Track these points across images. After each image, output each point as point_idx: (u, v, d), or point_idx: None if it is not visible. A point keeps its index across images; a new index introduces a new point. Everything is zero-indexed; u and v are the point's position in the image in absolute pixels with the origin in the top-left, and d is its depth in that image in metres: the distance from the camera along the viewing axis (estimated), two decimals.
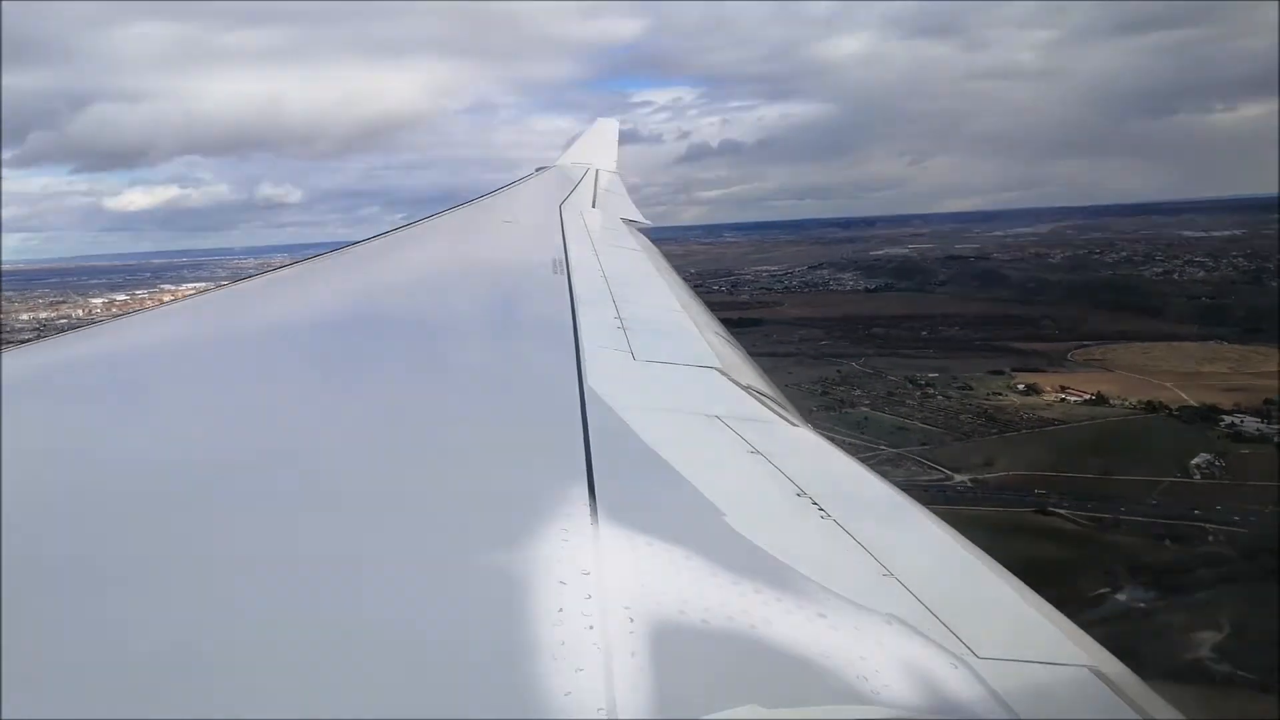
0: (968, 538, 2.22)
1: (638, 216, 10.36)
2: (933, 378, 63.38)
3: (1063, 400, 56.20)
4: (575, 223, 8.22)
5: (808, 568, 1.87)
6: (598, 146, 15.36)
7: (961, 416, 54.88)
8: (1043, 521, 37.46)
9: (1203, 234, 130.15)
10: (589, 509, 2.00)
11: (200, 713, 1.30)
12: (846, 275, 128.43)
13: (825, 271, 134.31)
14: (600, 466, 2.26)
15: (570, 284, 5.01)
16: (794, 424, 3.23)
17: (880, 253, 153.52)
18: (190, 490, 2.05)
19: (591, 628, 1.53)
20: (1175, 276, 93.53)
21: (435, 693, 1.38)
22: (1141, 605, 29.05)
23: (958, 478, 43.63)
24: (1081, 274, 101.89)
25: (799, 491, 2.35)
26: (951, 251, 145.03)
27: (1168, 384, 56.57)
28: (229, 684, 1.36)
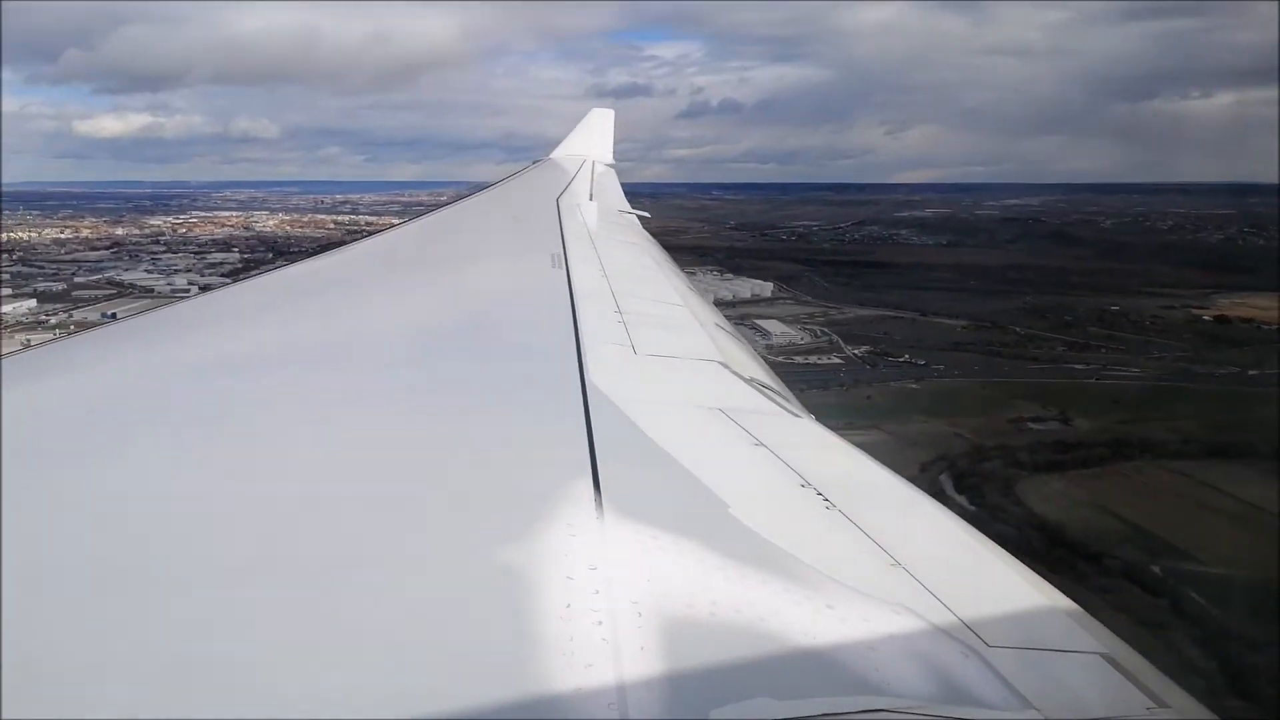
0: None
1: (632, 210, 10.67)
2: (1114, 309, 71.31)
3: (1258, 329, 64.07)
4: (573, 216, 8.28)
5: (815, 559, 1.87)
6: (592, 138, 15.38)
7: (1184, 335, 63.30)
8: None
9: (1195, 212, 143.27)
10: (594, 504, 2.03)
11: (212, 712, 1.30)
12: (903, 231, 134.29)
13: (875, 228, 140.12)
14: (604, 461, 2.28)
15: (569, 278, 5.00)
16: (797, 415, 3.26)
17: (903, 214, 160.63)
18: (204, 486, 2.17)
19: (600, 623, 1.55)
20: (1239, 243, 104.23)
21: (446, 690, 1.39)
22: None
23: (1250, 372, 53.73)
24: (1148, 237, 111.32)
25: (803, 483, 2.34)
26: (972, 215, 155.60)
27: None
28: (239, 680, 1.39)
